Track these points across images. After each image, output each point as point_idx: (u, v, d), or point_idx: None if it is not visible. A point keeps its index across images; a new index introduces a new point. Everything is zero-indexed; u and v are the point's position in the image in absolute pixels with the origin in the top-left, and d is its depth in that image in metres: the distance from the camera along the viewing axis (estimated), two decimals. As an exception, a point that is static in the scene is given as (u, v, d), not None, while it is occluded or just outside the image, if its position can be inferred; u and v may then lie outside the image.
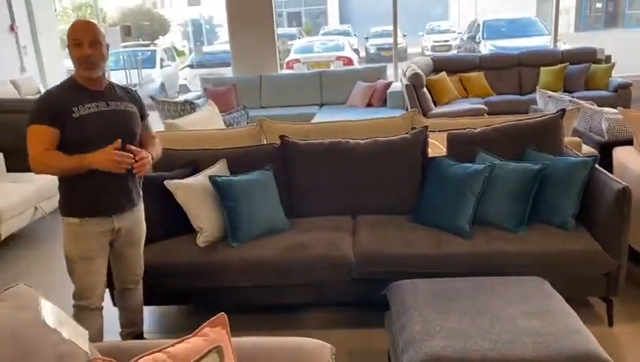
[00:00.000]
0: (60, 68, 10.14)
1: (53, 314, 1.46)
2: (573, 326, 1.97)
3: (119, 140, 2.17)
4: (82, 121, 2.19)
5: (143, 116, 2.48)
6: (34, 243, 4.44)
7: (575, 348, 1.85)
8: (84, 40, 2.18)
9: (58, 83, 2.32)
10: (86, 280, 2.35)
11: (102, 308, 2.43)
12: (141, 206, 2.50)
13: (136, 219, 2.47)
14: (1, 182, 4.54)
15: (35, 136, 2.17)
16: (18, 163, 4.94)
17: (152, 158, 2.36)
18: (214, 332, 1.64)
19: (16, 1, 8.55)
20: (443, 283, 2.30)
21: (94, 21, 2.27)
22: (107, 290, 2.57)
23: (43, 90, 8.08)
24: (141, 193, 2.50)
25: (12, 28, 8.28)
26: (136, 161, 2.22)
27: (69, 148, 2.19)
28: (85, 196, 2.28)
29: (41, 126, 2.16)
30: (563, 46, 8.26)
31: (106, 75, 2.38)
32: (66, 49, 2.28)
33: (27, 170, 5.02)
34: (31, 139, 2.18)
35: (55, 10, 11.08)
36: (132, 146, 2.27)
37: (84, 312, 2.36)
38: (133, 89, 2.51)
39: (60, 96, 2.23)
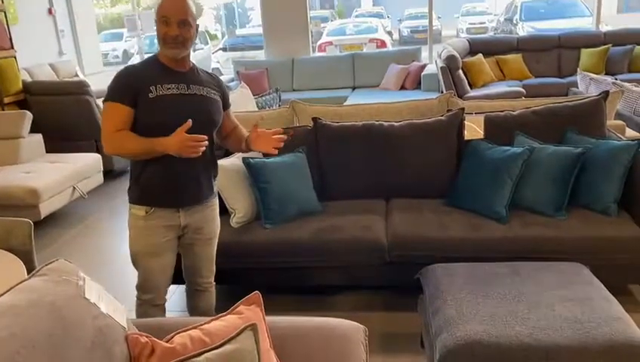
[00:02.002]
0: (96, 52, 10.32)
1: (92, 288, 1.49)
2: (614, 313, 1.91)
3: (190, 121, 1.96)
4: (158, 101, 2.02)
5: (226, 105, 2.30)
6: (72, 223, 4.56)
7: (616, 336, 1.80)
8: (173, 19, 2.00)
9: (142, 60, 2.17)
10: (150, 276, 2.22)
11: (165, 302, 2.32)
12: (214, 202, 2.32)
13: (207, 216, 2.28)
14: (40, 162, 4.67)
15: (109, 114, 2.02)
16: (57, 143, 5.09)
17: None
18: (249, 311, 1.65)
19: (55, -15, 8.70)
20: (478, 268, 2.26)
21: None
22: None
23: (80, 74, 8.26)
24: (215, 188, 2.32)
25: (50, 11, 8.43)
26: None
27: (141, 130, 2.03)
28: (155, 183, 2.12)
29: (114, 103, 2.01)
30: (605, 28, 7.95)
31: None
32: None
33: (65, 150, 5.16)
34: (104, 116, 2.03)
35: (91, -5, 11.23)
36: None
37: (146, 307, 2.25)
38: (218, 76, 2.33)
39: (139, 72, 2.07)
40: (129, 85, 2.03)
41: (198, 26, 2.11)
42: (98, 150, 5.25)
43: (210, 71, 2.33)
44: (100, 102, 5.37)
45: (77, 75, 7.86)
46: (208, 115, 2.14)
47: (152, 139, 1.99)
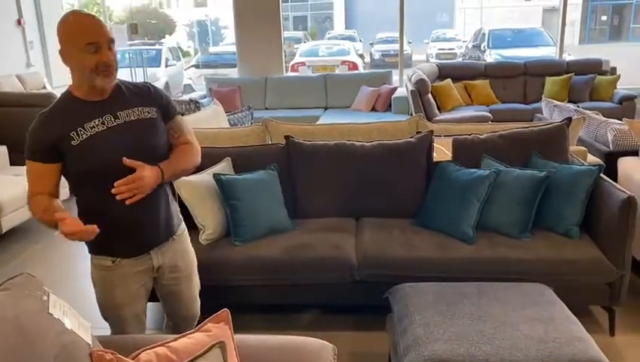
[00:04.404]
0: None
1: (57, 303, 1.45)
2: (576, 333, 1.96)
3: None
4: (85, 147, 1.75)
5: (169, 116, 1.96)
6: (36, 237, 4.44)
7: (578, 356, 1.84)
8: (102, 40, 1.71)
9: (54, 102, 1.86)
10: (123, 329, 1.99)
11: None
12: (182, 231, 2.09)
13: (179, 249, 2.05)
14: (4, 175, 4.55)
15: (28, 174, 1.82)
16: (22, 156, 4.97)
17: (181, 172, 1.95)
18: (217, 328, 1.63)
19: (24, -4, 8.59)
20: (445, 288, 2.29)
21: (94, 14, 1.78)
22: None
23: (48, 86, 8.12)
24: (181, 216, 2.11)
25: (19, 22, 8.30)
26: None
27: (78, 182, 1.83)
28: (114, 232, 1.83)
29: (33, 163, 1.79)
30: (568, 57, 8.25)
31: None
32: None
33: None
34: (27, 175, 1.83)
35: (62, 8, 11.11)
36: (127, 160, 1.76)
37: None
38: (151, 83, 2.01)
39: (53, 120, 1.78)
40: (44, 140, 1.76)
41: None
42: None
43: (141, 82, 2.02)
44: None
45: (45, 88, 7.74)
46: (147, 141, 1.86)
47: (52, 218, 1.70)
